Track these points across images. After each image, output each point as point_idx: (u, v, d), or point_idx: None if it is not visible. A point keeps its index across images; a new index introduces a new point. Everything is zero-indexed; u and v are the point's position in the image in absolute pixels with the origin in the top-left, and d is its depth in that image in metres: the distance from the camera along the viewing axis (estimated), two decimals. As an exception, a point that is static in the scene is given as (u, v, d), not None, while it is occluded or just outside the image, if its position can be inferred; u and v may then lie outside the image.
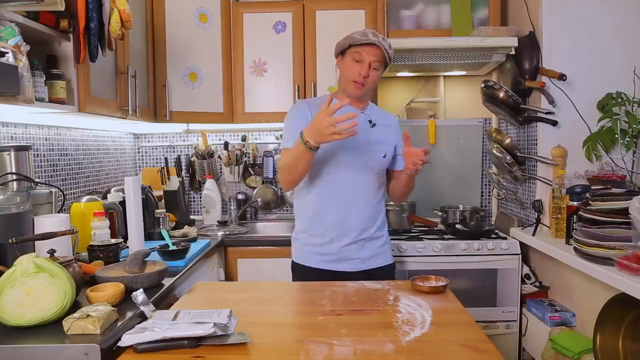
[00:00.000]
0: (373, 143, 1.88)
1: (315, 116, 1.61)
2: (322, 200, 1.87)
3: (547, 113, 2.31)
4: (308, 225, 1.91)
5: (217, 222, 2.80)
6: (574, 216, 1.94)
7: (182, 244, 1.98)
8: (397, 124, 2.02)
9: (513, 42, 2.40)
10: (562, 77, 2.24)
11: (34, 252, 1.46)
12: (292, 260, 1.97)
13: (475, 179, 2.99)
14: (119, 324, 1.19)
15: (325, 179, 1.85)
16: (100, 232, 1.88)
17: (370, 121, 1.91)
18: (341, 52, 1.85)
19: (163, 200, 2.73)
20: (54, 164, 2.20)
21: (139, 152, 3.13)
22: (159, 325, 1.12)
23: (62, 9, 1.50)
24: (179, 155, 3.08)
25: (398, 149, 1.93)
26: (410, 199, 2.84)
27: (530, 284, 2.38)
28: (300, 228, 1.95)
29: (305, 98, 2.71)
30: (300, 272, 1.91)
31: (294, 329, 1.21)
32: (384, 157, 1.89)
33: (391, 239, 2.41)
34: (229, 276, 2.44)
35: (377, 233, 1.93)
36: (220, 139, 3.09)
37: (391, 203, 2.76)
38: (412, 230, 2.68)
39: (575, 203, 1.98)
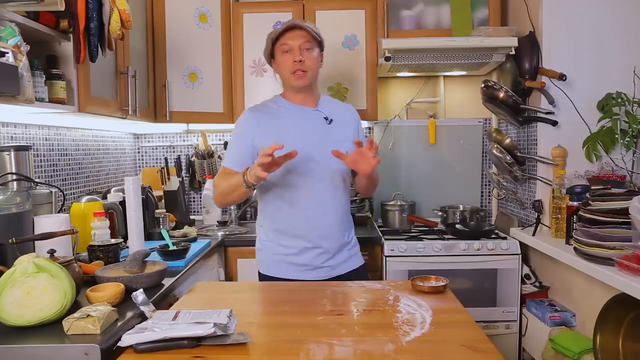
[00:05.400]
0: (332, 142, 1.72)
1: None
2: (288, 210, 1.77)
3: (547, 113, 2.31)
4: (276, 235, 1.80)
5: (217, 222, 2.80)
6: (574, 216, 1.94)
7: (182, 244, 1.98)
8: (355, 115, 1.90)
9: (513, 42, 2.39)
10: (562, 77, 2.24)
11: (34, 252, 1.46)
12: (259, 272, 1.87)
13: (475, 179, 2.99)
14: (119, 324, 1.19)
15: (289, 188, 1.75)
16: (100, 232, 1.88)
17: (326, 118, 1.79)
18: (271, 55, 1.79)
19: (163, 200, 2.73)
20: (54, 164, 2.20)
21: (139, 152, 3.13)
22: (159, 325, 1.11)
23: (62, 9, 1.50)
24: (179, 155, 3.08)
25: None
26: (410, 199, 2.85)
27: (530, 284, 2.38)
28: (266, 238, 1.84)
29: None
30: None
31: (294, 329, 1.21)
32: None
33: (391, 239, 2.43)
34: (229, 276, 2.44)
35: (346, 237, 1.84)
36: (220, 139, 3.09)
37: (391, 203, 2.77)
38: (412, 230, 2.68)
39: (575, 203, 1.98)
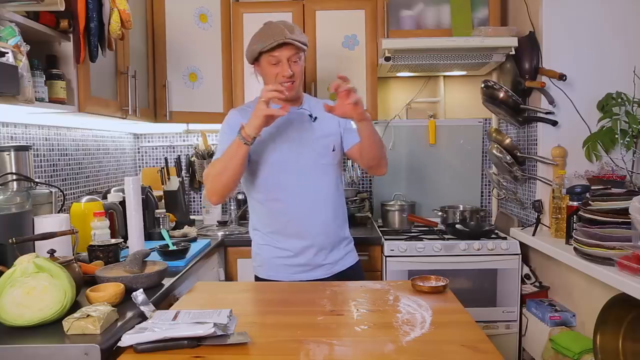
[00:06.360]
0: (319, 139, 1.78)
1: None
2: (282, 210, 1.77)
3: (547, 113, 2.31)
4: (272, 238, 1.81)
5: (217, 222, 2.80)
6: (574, 216, 1.94)
7: (182, 244, 1.98)
8: None
9: (513, 42, 2.39)
10: (562, 77, 2.24)
11: (34, 252, 1.46)
12: (256, 276, 1.87)
13: (475, 179, 2.99)
14: (119, 324, 1.19)
15: (280, 187, 1.76)
16: (100, 232, 1.88)
17: (310, 115, 1.81)
18: (255, 59, 1.77)
19: (163, 200, 2.73)
20: (54, 164, 2.20)
21: (139, 152, 3.13)
22: (159, 325, 1.12)
23: (62, 9, 1.50)
24: (179, 155, 3.08)
25: (345, 127, 1.82)
26: (410, 199, 2.85)
27: (530, 284, 2.38)
28: (262, 241, 1.84)
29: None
30: None
31: (294, 329, 1.21)
32: (334, 150, 1.80)
33: (391, 239, 2.43)
34: (229, 276, 2.44)
35: (341, 232, 1.86)
36: (220, 139, 3.09)
37: (391, 203, 2.77)
38: (412, 230, 2.68)
39: (575, 203, 1.98)
